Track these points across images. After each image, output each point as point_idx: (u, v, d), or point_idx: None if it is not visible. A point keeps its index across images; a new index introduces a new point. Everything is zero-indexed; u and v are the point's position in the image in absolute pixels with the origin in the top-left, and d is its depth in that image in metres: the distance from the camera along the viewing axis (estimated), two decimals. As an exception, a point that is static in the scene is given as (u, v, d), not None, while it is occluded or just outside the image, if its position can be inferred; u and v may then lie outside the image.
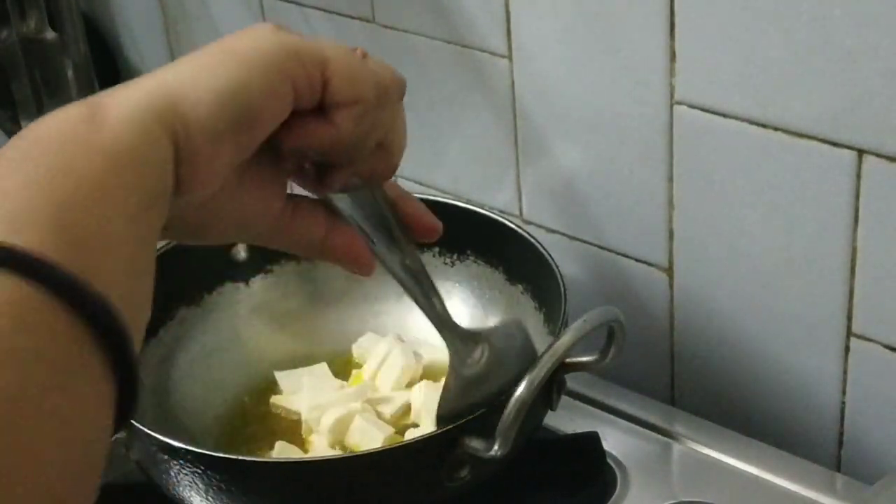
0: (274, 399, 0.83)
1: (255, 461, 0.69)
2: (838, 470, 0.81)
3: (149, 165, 0.43)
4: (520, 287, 0.83)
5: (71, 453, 0.36)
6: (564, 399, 0.73)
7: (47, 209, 0.39)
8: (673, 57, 0.77)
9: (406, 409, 0.81)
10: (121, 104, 0.43)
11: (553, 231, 0.90)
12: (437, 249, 0.87)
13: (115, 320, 0.38)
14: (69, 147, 0.41)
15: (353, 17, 0.94)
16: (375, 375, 0.83)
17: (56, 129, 0.42)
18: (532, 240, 0.80)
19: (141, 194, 0.42)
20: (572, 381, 0.76)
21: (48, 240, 0.38)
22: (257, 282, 0.88)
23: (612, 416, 0.83)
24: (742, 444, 0.80)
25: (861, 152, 0.71)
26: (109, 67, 1.14)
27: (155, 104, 0.44)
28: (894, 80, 0.68)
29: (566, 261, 0.87)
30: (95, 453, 0.38)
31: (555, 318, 0.75)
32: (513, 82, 0.86)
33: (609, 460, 0.79)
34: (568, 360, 0.68)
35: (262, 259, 0.88)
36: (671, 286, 0.85)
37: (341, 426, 0.79)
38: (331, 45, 0.51)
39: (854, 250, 0.74)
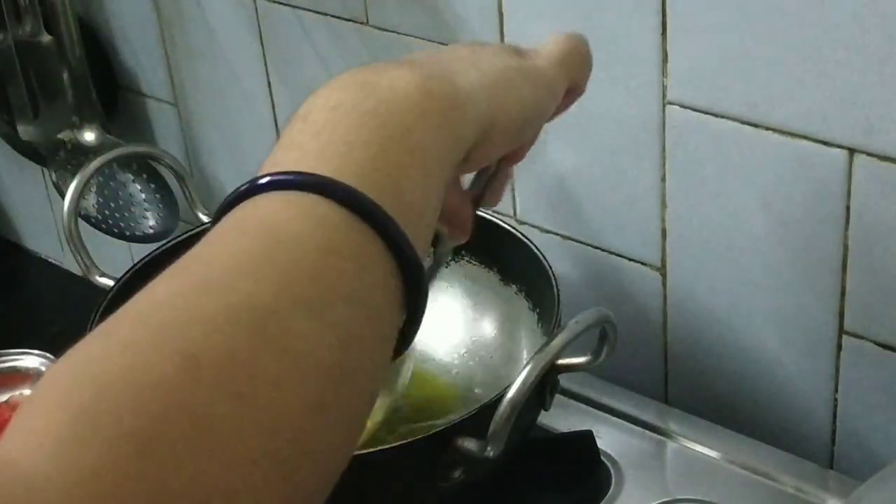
0: None
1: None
2: (831, 467, 0.81)
3: (466, 131, 0.47)
4: (514, 287, 0.83)
5: (378, 349, 0.41)
6: (558, 398, 0.74)
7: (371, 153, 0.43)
8: (665, 57, 0.77)
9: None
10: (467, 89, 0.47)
11: (547, 231, 0.90)
12: (430, 250, 0.87)
13: (413, 255, 0.41)
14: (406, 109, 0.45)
15: (346, 20, 0.94)
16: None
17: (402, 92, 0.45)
18: (526, 240, 0.81)
19: (451, 150, 0.46)
20: (566, 380, 0.76)
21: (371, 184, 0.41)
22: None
23: (606, 415, 0.84)
24: (735, 442, 0.80)
25: (852, 151, 0.71)
26: (105, 70, 1.14)
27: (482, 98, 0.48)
28: (885, 79, 0.68)
29: (560, 261, 0.87)
30: (382, 362, 0.42)
31: (549, 318, 0.76)
32: (506, 83, 0.86)
33: (603, 458, 0.79)
34: (560, 361, 0.68)
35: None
36: (664, 285, 0.85)
37: None
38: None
39: (845, 248, 0.74)
